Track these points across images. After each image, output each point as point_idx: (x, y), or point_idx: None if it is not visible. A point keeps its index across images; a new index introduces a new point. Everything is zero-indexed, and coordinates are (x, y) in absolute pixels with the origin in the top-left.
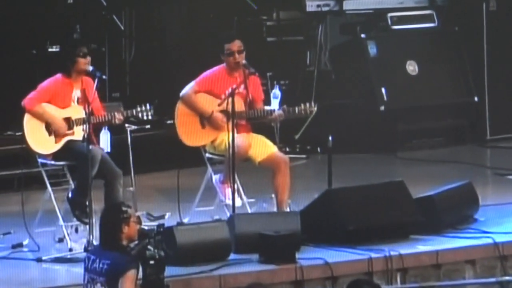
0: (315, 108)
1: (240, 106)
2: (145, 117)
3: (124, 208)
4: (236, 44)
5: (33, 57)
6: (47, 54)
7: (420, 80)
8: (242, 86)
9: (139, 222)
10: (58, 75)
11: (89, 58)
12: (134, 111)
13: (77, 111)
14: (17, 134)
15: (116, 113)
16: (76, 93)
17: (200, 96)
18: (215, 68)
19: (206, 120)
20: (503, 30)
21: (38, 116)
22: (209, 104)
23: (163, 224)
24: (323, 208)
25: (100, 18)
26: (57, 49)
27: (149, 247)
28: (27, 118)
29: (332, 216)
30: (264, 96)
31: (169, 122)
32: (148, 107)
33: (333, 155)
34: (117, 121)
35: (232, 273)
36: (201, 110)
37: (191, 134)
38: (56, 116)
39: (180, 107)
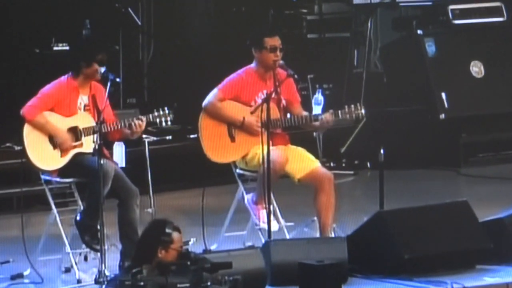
0: (363, 111)
1: (275, 113)
2: (163, 124)
3: (168, 230)
4: (278, 40)
5: (36, 57)
6: (52, 53)
7: (487, 84)
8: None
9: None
10: (63, 78)
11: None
12: (150, 116)
13: (85, 119)
14: (17, 147)
15: (135, 120)
16: (83, 100)
17: (226, 104)
18: (241, 71)
19: (237, 129)
20: None
21: (40, 127)
22: (238, 113)
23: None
24: (374, 233)
25: (113, 12)
26: (64, 48)
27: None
28: (27, 129)
29: (384, 243)
30: (301, 99)
31: (192, 136)
32: (166, 111)
33: (385, 171)
34: (138, 129)
35: None
36: (230, 119)
37: (219, 149)
38: (60, 128)
39: (204, 119)
